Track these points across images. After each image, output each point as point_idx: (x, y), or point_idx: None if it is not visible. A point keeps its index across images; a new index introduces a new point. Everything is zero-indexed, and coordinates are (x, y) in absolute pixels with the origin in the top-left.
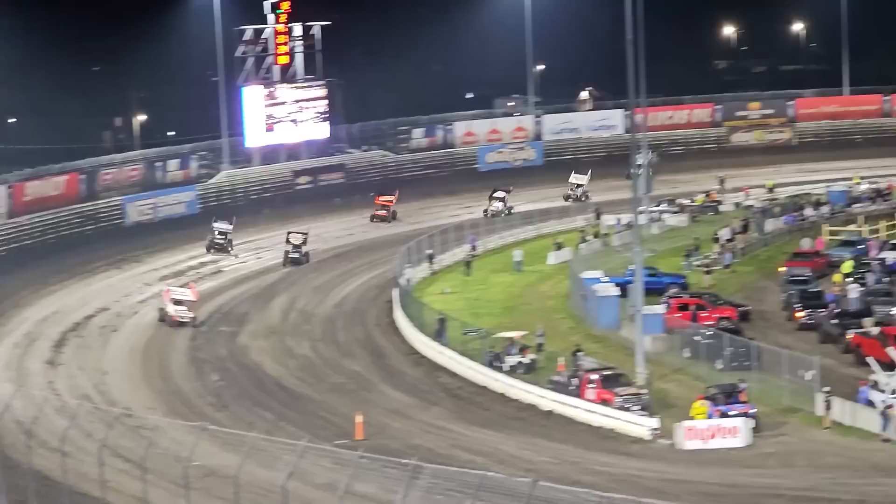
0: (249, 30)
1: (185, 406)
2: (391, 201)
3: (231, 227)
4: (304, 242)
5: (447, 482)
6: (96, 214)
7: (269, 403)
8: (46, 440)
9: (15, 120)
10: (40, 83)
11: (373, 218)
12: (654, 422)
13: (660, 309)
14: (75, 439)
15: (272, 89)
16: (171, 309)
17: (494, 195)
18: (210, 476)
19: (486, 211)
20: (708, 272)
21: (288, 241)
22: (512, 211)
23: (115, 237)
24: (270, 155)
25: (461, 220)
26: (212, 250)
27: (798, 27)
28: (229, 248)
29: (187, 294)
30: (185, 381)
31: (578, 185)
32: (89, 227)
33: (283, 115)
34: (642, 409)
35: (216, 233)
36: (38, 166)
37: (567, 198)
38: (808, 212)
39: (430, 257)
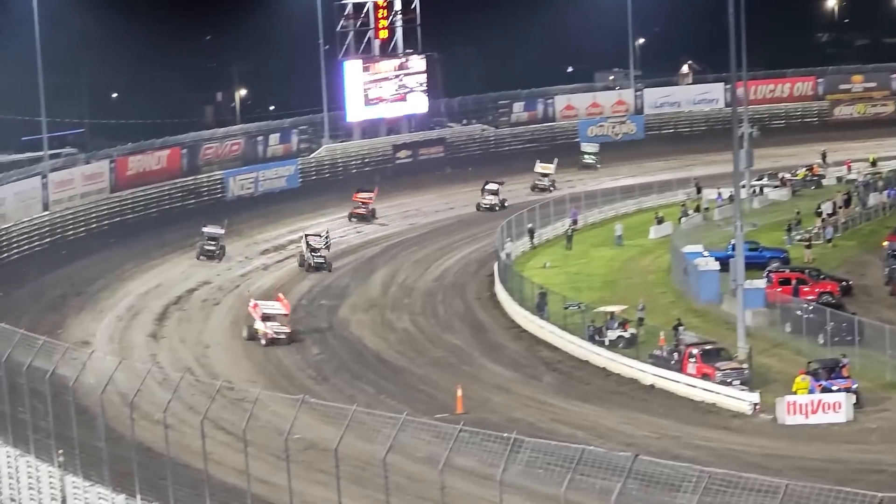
0: (350, 4)
1: (286, 379)
2: (370, 198)
3: (223, 231)
4: (327, 246)
5: (547, 456)
6: (198, 188)
7: (369, 377)
8: (149, 412)
9: (117, 95)
10: (142, 59)
11: (350, 217)
12: (755, 396)
13: (761, 283)
14: (178, 412)
15: (372, 63)
16: (262, 326)
17: (486, 187)
18: (310, 449)
19: (478, 205)
20: (809, 246)
21: (307, 244)
22: (506, 204)
23: (216, 211)
24: (371, 129)
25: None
26: (201, 258)
27: None
28: (220, 256)
29: (277, 307)
30: (286, 354)
31: (545, 175)
32: (191, 202)
33: (383, 89)
34: (743, 383)
35: (206, 238)
36: (141, 141)
37: (534, 188)
38: None
39: (531, 232)
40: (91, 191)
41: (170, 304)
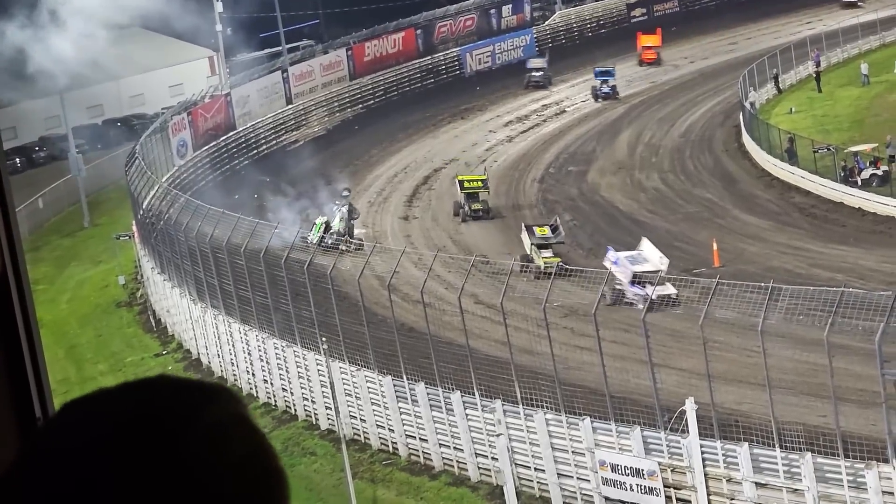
0: None
1: None
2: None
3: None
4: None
5: (807, 302)
6: (436, 68)
7: (623, 239)
8: (407, 294)
9: None
10: None
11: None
12: None
13: None
14: (435, 290)
15: None
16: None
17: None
18: (569, 316)
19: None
20: None
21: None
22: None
23: (456, 88)
24: None
25: (799, 38)
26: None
27: None
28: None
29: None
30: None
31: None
32: (430, 81)
33: None
34: None
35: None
36: (375, 26)
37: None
38: None
39: (775, 78)
40: (331, 80)
41: (419, 185)
